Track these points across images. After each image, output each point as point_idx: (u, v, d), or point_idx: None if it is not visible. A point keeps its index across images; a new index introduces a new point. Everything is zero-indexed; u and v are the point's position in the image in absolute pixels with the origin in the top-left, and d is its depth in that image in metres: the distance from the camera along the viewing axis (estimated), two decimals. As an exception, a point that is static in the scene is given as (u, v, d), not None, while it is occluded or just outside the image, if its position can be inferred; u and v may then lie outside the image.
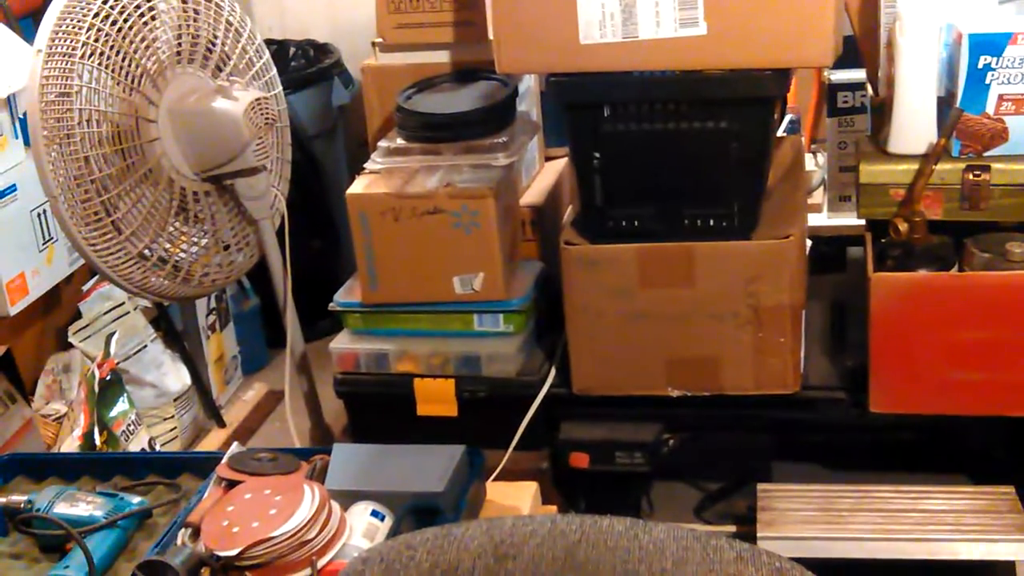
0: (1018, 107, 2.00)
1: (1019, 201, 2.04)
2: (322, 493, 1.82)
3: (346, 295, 2.37)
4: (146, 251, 2.22)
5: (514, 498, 2.09)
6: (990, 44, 1.96)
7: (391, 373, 2.34)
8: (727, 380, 2.17)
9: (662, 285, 2.13)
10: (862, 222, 2.21)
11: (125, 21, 2.13)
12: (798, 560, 1.28)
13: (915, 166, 2.06)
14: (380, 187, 2.25)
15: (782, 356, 2.13)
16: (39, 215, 2.58)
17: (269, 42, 2.94)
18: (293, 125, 2.64)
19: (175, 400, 2.74)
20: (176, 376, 2.75)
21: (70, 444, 2.45)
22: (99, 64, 2.09)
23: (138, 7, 2.16)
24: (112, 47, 2.11)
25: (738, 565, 1.26)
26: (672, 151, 2.07)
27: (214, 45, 2.32)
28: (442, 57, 2.46)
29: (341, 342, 2.36)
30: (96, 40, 2.09)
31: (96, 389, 2.50)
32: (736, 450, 2.48)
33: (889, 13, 2.14)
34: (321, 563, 1.76)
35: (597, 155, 2.10)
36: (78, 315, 2.74)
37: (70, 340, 2.69)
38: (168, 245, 2.28)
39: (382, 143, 2.33)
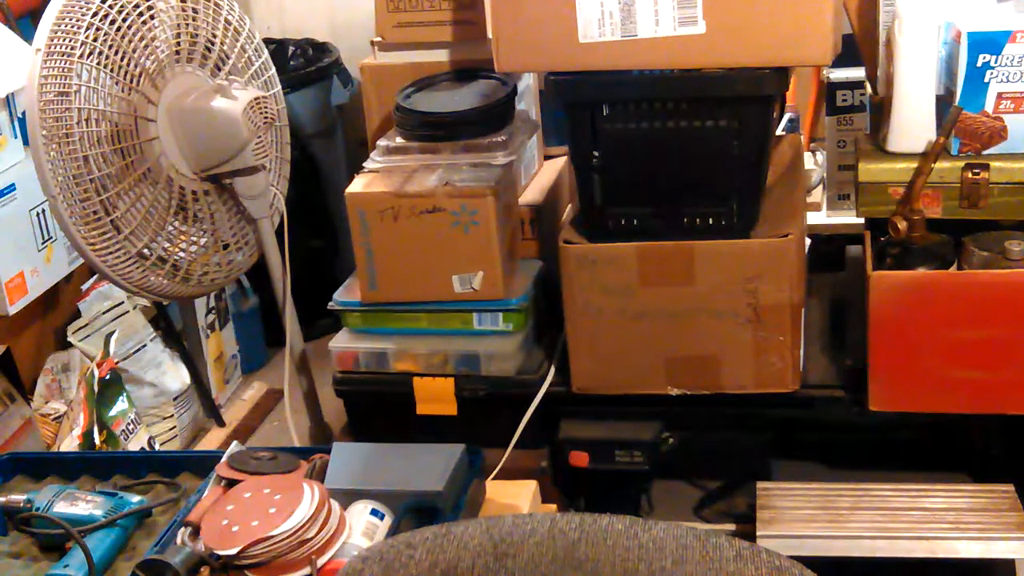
0: (1017, 105, 2.00)
1: (1018, 199, 2.04)
2: (321, 492, 1.83)
3: (345, 294, 2.37)
4: (145, 250, 2.22)
5: (513, 497, 2.09)
6: (989, 42, 1.96)
7: (390, 372, 2.33)
8: (727, 379, 2.17)
9: (661, 284, 2.13)
10: (861, 220, 2.21)
11: (124, 20, 2.13)
12: (797, 558, 1.28)
13: (914, 164, 2.06)
14: (379, 186, 2.25)
15: (781, 354, 2.14)
16: (38, 214, 2.58)
17: (268, 41, 2.94)
18: (292, 124, 2.64)
19: (174, 399, 2.74)
20: (175, 375, 2.75)
21: (69, 443, 2.45)
22: (98, 63, 2.09)
23: (137, 6, 2.16)
24: (111, 46, 2.11)
25: (737, 563, 1.26)
26: (671, 150, 2.07)
27: (213, 44, 2.32)
28: (441, 56, 2.46)
29: (340, 341, 2.36)
30: (95, 39, 2.09)
31: (95, 388, 2.50)
32: (736, 449, 2.48)
33: (888, 11, 2.14)
34: (321, 562, 1.76)
35: (596, 154, 2.10)
36: (77, 314, 2.74)
37: (69, 339, 2.69)
38: (167, 244, 2.28)
39: (381, 142, 2.33)
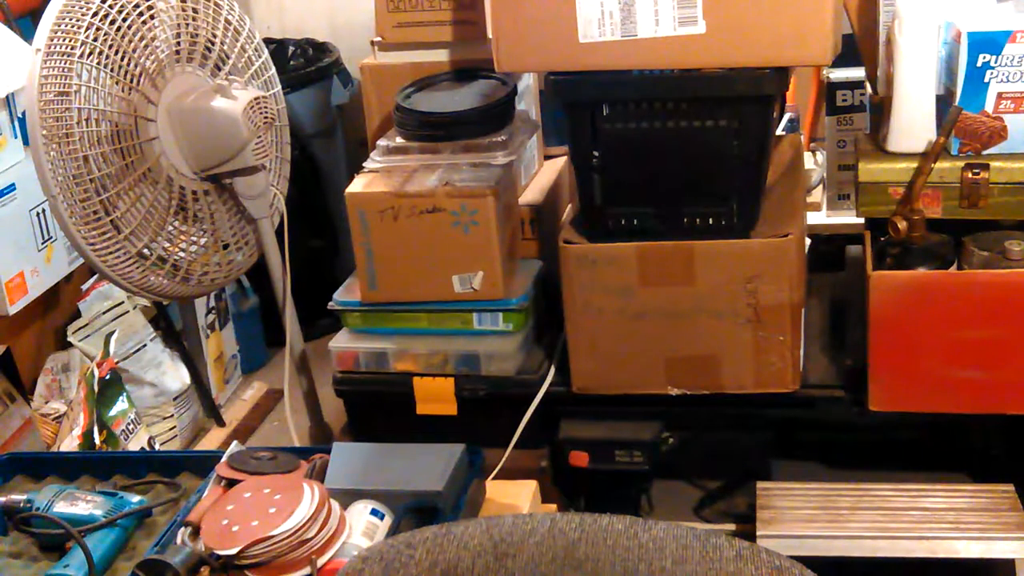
0: (1017, 105, 2.00)
1: (1018, 199, 2.04)
2: (321, 492, 1.83)
3: (345, 294, 2.37)
4: (145, 250, 2.23)
5: (513, 497, 2.09)
6: (989, 42, 1.96)
7: (390, 372, 2.33)
8: (727, 378, 2.17)
9: (661, 284, 2.13)
10: (861, 220, 2.21)
11: (124, 20, 2.13)
12: (797, 558, 1.28)
13: (914, 164, 2.06)
14: (379, 186, 2.25)
15: (782, 354, 2.13)
16: (38, 214, 2.58)
17: (268, 41, 2.94)
18: (292, 124, 2.64)
19: (174, 399, 2.74)
20: (175, 375, 2.75)
21: (69, 443, 2.45)
22: (98, 63, 2.09)
23: (137, 6, 2.16)
24: (111, 46, 2.11)
25: (737, 563, 1.26)
26: (671, 150, 2.07)
27: (213, 44, 2.32)
28: (441, 56, 2.46)
29: (340, 341, 2.36)
30: (95, 39, 2.09)
31: (95, 388, 2.50)
32: (736, 448, 2.48)
33: (888, 11, 2.13)
34: (321, 562, 1.76)
35: (596, 154, 2.10)
36: (77, 314, 2.75)
37: (69, 339, 2.69)
38: (167, 244, 2.28)
39: (381, 142, 2.33)
